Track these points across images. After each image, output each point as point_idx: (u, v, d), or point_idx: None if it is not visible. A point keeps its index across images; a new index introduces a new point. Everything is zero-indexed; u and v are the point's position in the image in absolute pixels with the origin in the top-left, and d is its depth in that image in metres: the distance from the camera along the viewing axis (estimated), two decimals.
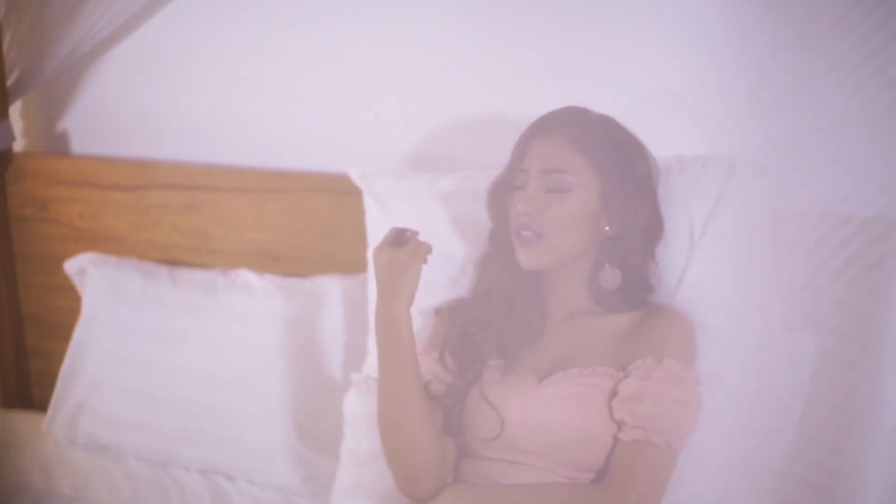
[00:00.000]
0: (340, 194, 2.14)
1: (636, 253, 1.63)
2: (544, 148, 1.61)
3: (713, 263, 1.66)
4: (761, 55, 1.84)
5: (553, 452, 1.56)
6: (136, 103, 2.45)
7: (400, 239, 1.61)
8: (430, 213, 1.90)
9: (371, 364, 1.92)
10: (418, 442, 1.59)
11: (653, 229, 1.65)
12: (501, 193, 1.69)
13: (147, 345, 2.23)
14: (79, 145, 2.54)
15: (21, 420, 2.41)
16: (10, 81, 2.42)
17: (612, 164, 1.59)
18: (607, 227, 1.61)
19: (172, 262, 2.37)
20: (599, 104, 1.67)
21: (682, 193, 1.69)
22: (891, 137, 1.72)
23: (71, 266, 2.37)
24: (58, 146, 2.55)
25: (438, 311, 1.78)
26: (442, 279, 1.87)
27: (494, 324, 1.68)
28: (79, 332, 2.31)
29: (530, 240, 1.60)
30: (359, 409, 1.87)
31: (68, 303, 2.43)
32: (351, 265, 2.15)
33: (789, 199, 1.80)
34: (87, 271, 2.35)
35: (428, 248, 1.59)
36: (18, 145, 2.56)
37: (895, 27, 1.68)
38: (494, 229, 1.72)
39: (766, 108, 1.86)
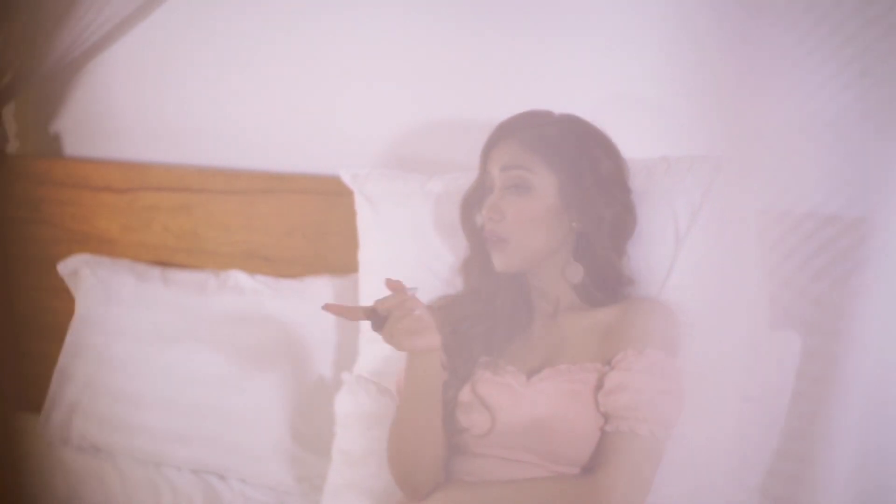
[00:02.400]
0: (331, 196, 2.15)
1: (605, 248, 1.65)
2: (502, 151, 1.66)
3: (698, 262, 1.67)
4: (744, 55, 1.85)
5: (543, 448, 1.57)
6: (129, 106, 2.46)
7: (380, 319, 1.48)
8: (420, 214, 1.92)
9: (361, 364, 1.93)
10: (428, 466, 1.60)
11: (622, 224, 1.67)
12: (472, 204, 1.74)
13: (139, 345, 2.23)
14: (72, 147, 2.55)
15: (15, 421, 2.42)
16: (2, 83, 2.42)
17: (569, 161, 1.63)
18: (574, 224, 1.63)
19: (164, 264, 2.38)
20: (588, 108, 1.69)
21: (667, 193, 1.71)
22: (876, 139, 1.73)
23: (64, 267, 2.38)
24: (51, 148, 2.56)
25: (429, 309, 1.80)
26: (432, 279, 1.88)
27: (484, 322, 1.69)
28: (72, 333, 2.32)
29: (498, 244, 1.64)
30: (350, 408, 1.88)
31: (61, 304, 2.43)
32: (342, 266, 2.16)
33: (775, 199, 1.81)
34: (80, 272, 2.35)
35: (414, 302, 1.47)
36: (11, 147, 2.57)
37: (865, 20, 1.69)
38: (470, 239, 1.75)
39: (750, 108, 1.87)
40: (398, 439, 1.63)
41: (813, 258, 1.76)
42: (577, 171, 1.63)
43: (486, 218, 1.65)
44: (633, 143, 1.70)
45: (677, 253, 1.69)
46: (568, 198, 1.63)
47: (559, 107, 1.72)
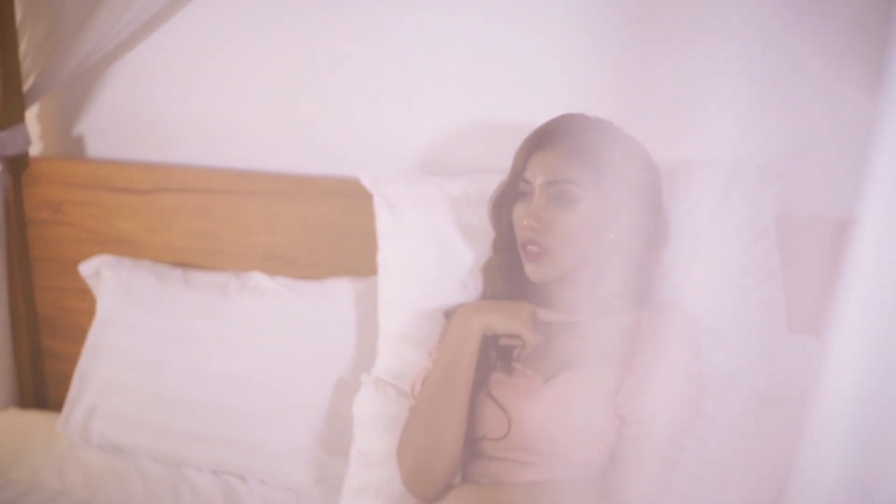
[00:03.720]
0: (351, 198, 2.15)
1: (640, 258, 1.64)
2: (545, 161, 1.63)
3: (717, 267, 1.67)
4: (769, 60, 1.84)
5: (559, 451, 1.57)
6: (150, 108, 2.47)
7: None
8: (439, 217, 1.92)
9: (380, 366, 1.94)
10: (448, 447, 1.60)
11: (657, 234, 1.66)
12: (504, 203, 1.72)
13: (160, 346, 2.24)
14: (94, 149, 2.57)
15: (36, 420, 2.43)
16: (26, 86, 2.44)
17: (612, 172, 1.61)
18: (612, 235, 1.62)
19: (185, 265, 2.39)
20: (605, 110, 1.69)
21: (686, 196, 1.70)
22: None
23: (86, 268, 2.39)
24: (73, 150, 2.58)
25: (448, 314, 1.80)
26: (450, 282, 1.88)
27: None
28: (93, 334, 2.33)
29: (536, 254, 1.62)
30: (369, 410, 1.88)
31: (83, 305, 2.45)
32: (362, 268, 2.17)
33: (794, 203, 1.81)
34: (102, 273, 2.37)
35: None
36: (35, 149, 2.59)
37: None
38: (498, 238, 1.74)
39: (774, 113, 1.86)
40: (419, 429, 1.62)
41: (831, 262, 1.75)
42: (622, 184, 1.61)
43: (526, 227, 1.63)
44: (651, 145, 1.70)
45: (695, 256, 1.68)
46: (610, 210, 1.62)
47: (576, 109, 1.71)
